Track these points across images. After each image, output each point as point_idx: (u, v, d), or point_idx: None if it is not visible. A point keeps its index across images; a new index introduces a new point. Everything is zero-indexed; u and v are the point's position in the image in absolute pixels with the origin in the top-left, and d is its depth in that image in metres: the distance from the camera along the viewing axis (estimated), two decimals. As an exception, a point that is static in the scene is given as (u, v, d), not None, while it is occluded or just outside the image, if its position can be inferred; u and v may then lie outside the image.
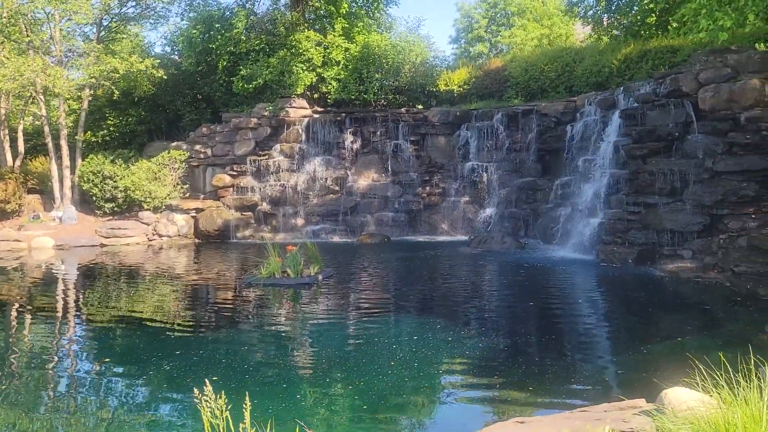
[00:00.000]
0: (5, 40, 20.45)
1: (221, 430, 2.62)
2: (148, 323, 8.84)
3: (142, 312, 9.74)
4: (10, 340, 8.04)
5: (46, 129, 20.77)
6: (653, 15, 20.28)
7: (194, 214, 20.01)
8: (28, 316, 9.61)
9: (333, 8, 21.49)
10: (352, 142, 20.86)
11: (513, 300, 10.28)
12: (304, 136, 20.86)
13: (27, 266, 15.23)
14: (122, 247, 18.35)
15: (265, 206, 20.28)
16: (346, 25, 21.68)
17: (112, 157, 20.76)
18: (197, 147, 21.53)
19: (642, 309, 9.41)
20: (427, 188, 20.27)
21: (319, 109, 21.44)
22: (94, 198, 20.33)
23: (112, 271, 14.05)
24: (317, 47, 20.92)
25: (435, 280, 12.42)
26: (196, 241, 19.65)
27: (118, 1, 21.47)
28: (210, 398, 2.65)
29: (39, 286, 12.51)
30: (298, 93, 20.87)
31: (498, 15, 38.72)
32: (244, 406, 2.74)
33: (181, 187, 20.71)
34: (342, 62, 21.20)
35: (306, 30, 21.28)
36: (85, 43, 19.97)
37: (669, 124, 13.14)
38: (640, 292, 10.55)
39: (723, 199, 11.75)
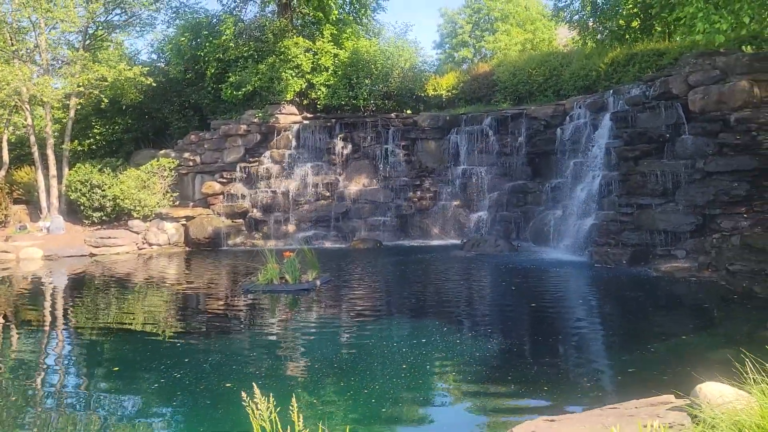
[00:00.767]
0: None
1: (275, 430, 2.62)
2: (152, 332, 8.77)
3: (142, 321, 9.66)
4: (15, 353, 7.93)
5: (32, 138, 20.53)
6: (638, 19, 20.59)
7: (184, 222, 19.87)
8: (26, 327, 9.47)
9: (321, 15, 21.52)
10: (342, 148, 20.87)
11: (513, 302, 10.34)
12: (294, 143, 20.83)
13: (16, 277, 15.01)
14: (112, 256, 18.16)
15: (255, 213, 20.21)
16: (334, 32, 21.73)
17: (99, 166, 20.56)
18: (186, 154, 21.40)
19: (642, 309, 9.51)
20: (418, 193, 20.31)
21: (309, 115, 21.43)
22: (82, 207, 20.11)
23: (106, 281, 13.89)
24: (306, 53, 20.93)
25: (433, 285, 12.44)
26: (187, 249, 19.50)
27: (104, 8, 21.29)
28: (260, 401, 2.65)
29: (32, 297, 12.34)
30: (288, 99, 20.85)
31: (482, 20, 39.08)
32: (290, 408, 2.74)
33: (171, 195, 20.56)
34: (331, 68, 21.23)
35: (295, 36, 21.28)
36: (71, 52, 19.76)
37: (660, 126, 13.33)
38: (637, 292, 10.66)
39: (715, 199, 11.93)
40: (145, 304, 11.29)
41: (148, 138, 23.37)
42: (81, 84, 18.83)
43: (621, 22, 20.40)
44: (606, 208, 14.51)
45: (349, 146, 20.98)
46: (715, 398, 3.12)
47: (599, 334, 8.19)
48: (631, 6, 20.09)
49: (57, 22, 19.25)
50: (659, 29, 20.36)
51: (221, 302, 11.14)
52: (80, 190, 19.95)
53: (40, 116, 22.38)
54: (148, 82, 19.89)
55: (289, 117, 20.92)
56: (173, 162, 20.92)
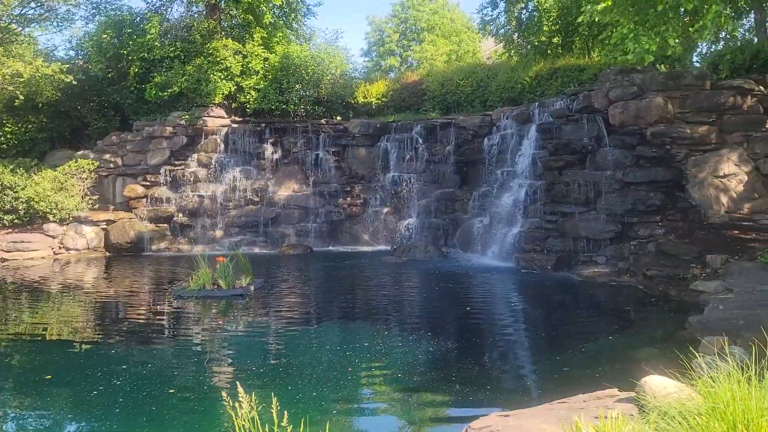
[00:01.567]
0: None
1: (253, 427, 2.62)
2: (70, 341, 8.40)
3: (68, 329, 9.23)
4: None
5: (-64, 135, 19.17)
6: (559, 35, 21.55)
7: (105, 227, 19.06)
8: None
9: (251, 17, 21.25)
10: (272, 153, 20.65)
11: (447, 306, 10.59)
12: (222, 146, 20.43)
13: None
14: (25, 261, 17.21)
15: (181, 218, 19.65)
16: (265, 35, 21.50)
17: (11, 166, 19.42)
18: (106, 156, 20.55)
19: (568, 312, 9.98)
20: (348, 199, 20.36)
21: (238, 118, 21.09)
22: (-8, 210, 18.94)
23: (21, 288, 13.14)
24: (236, 56, 20.60)
25: (366, 290, 12.55)
26: (107, 254, 18.72)
27: (18, 1, 20.20)
28: (243, 399, 2.65)
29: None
30: (216, 102, 20.44)
31: (408, 30, 39.67)
32: (271, 407, 2.75)
33: (90, 198, 19.68)
34: (261, 72, 21.00)
35: (223, 38, 20.92)
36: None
37: (582, 138, 14.02)
38: (563, 296, 11.16)
39: (633, 208, 12.65)
40: (71, 311, 10.78)
41: (64, 138, 22.28)
42: (-7, 79, 17.81)
43: (542, 38, 21.29)
44: (531, 215, 15.07)
45: (279, 151, 20.79)
46: (660, 390, 3.35)
47: (531, 336, 8.52)
48: (552, 23, 21.01)
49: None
50: (579, 45, 21.39)
51: (151, 309, 10.80)
52: (-10, 191, 18.78)
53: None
54: (68, 80, 18.99)
55: (217, 120, 20.51)
56: (93, 163, 20.04)
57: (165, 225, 19.52)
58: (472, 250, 17.00)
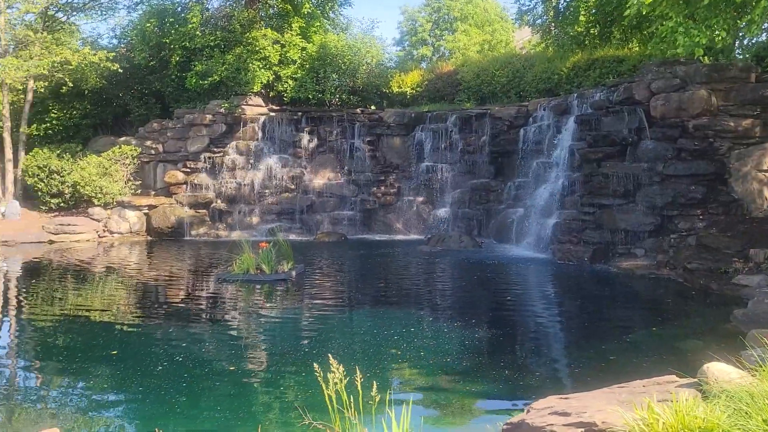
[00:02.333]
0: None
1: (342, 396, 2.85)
2: (126, 320, 8.78)
3: (114, 309, 9.63)
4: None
5: (-14, 121, 19.85)
6: (597, 26, 21.39)
7: (146, 211, 19.58)
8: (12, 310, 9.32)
9: (290, 7, 21.49)
10: (308, 141, 20.95)
11: (487, 295, 10.75)
12: (260, 134, 20.79)
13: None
14: (72, 243, 17.76)
15: (220, 204, 20.09)
16: (303, 25, 21.74)
17: (58, 152, 20.03)
18: (148, 142, 21.06)
19: (608, 303, 10.07)
20: (382, 188, 20.58)
21: (275, 107, 21.41)
22: (39, 193, 19.57)
23: (72, 268, 13.63)
24: (274, 46, 20.88)
25: (405, 277, 12.78)
26: (149, 238, 19.24)
27: (66, -10, 20.75)
28: (335, 369, 2.87)
29: (17, 281, 12.10)
30: (254, 91, 20.77)
31: (441, 19, 39.59)
32: (356, 379, 2.97)
33: (132, 183, 20.22)
34: (299, 61, 21.25)
35: (262, 28, 21.20)
36: (32, 33, 19.15)
37: (622, 130, 14.00)
38: (602, 287, 11.25)
39: (673, 201, 12.64)
40: (123, 293, 11.20)
41: (107, 124, 22.85)
42: (45, 67, 18.29)
43: (579, 28, 21.16)
44: (568, 207, 15.11)
45: (315, 140, 21.08)
46: (722, 376, 3.50)
47: (573, 325, 8.65)
48: (590, 13, 20.87)
49: (18, 2, 18.65)
50: (618, 36, 21.21)
51: (199, 291, 11.16)
52: (38, 175, 19.41)
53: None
54: (114, 68, 19.48)
55: (255, 108, 20.85)
56: (135, 150, 20.56)
57: (204, 211, 19.97)
58: (507, 241, 17.09)
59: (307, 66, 21.36)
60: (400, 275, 13.01)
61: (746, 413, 2.92)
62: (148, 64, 21.41)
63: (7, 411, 5.20)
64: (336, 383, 2.94)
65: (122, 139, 21.28)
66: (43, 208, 19.76)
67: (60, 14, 22.24)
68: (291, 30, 21.51)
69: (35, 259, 15.03)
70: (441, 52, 39.00)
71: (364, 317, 8.92)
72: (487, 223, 18.76)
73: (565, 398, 4.14)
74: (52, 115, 22.03)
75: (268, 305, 9.89)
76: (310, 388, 5.72)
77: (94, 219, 18.89)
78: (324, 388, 2.98)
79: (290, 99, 21.55)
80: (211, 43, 20.86)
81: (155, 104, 22.49)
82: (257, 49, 20.60)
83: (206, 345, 7.39)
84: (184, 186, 20.35)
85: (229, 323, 8.59)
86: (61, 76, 19.19)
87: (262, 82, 20.69)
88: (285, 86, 21.31)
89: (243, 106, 20.54)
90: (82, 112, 22.26)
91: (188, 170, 20.60)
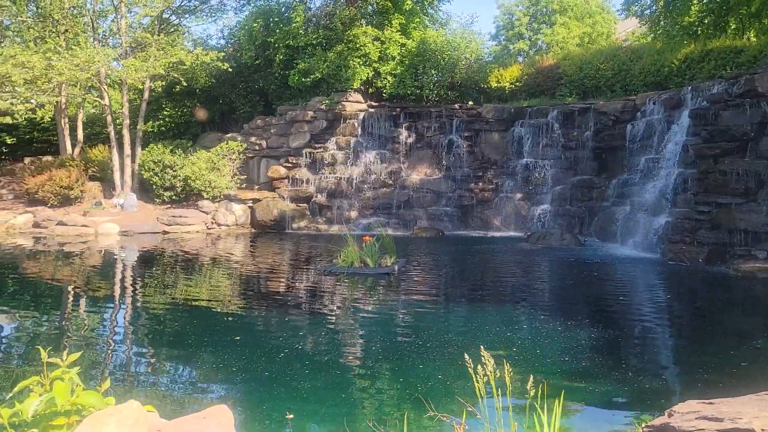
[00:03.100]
0: (67, 30, 20.99)
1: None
2: (244, 308, 9.18)
3: (232, 297, 10.08)
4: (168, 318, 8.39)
5: (108, 118, 21.26)
6: (711, 15, 20.26)
7: (251, 205, 20.38)
8: (149, 293, 9.99)
9: (390, 4, 21.70)
10: (406, 137, 21.10)
11: (595, 295, 10.44)
12: (359, 130, 21.14)
13: (104, 250, 15.82)
14: (183, 234, 18.76)
15: (319, 198, 20.61)
16: (403, 21, 21.90)
17: (171, 147, 21.20)
18: (252, 138, 21.90)
19: (730, 306, 9.55)
20: (480, 184, 20.42)
21: (374, 103, 21.70)
22: (154, 186, 20.79)
23: (189, 257, 14.43)
24: (374, 42, 21.16)
25: (509, 274, 12.64)
26: (252, 230, 20.01)
27: (180, -5, 21.89)
28: (487, 360, 2.89)
29: (138, 268, 12.99)
30: (354, 87, 21.13)
31: (539, 12, 38.65)
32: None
33: (238, 178, 21.11)
34: (398, 57, 21.43)
35: (363, 25, 21.54)
36: (150, 35, 20.36)
37: (743, 125, 13.18)
38: (721, 290, 10.69)
39: (801, 201, 11.79)
40: (239, 282, 11.74)
41: (214, 121, 23.96)
42: (162, 67, 19.41)
43: (688, 18, 20.08)
44: (680, 205, 14.42)
45: (413, 135, 21.20)
46: None
47: (695, 328, 8.26)
48: (703, 3, 19.78)
49: (138, 6, 19.87)
50: (733, 26, 20.01)
51: (309, 282, 11.50)
52: (153, 169, 20.63)
53: (116, 99, 23.12)
54: (224, 68, 20.41)
55: (355, 105, 21.22)
56: (241, 145, 21.44)
57: (304, 205, 20.54)
58: (611, 240, 16.54)
59: (407, 62, 21.50)
60: (503, 272, 12.87)
61: None
62: (254, 62, 22.23)
63: (164, 390, 5.59)
64: (486, 375, 2.95)
65: (228, 135, 22.25)
66: (157, 200, 20.99)
67: (173, 17, 23.50)
68: (391, 27, 21.72)
69: (156, 248, 15.98)
70: (538, 46, 38.10)
71: (474, 313, 8.90)
72: (590, 220, 18.23)
73: (710, 403, 3.97)
74: (165, 112, 23.35)
75: (375, 298, 10.06)
76: (429, 380, 5.79)
77: (203, 211, 19.86)
78: (474, 380, 3.00)
79: (389, 95, 21.78)
80: (314, 42, 21.40)
81: (259, 101, 23.35)
82: (358, 46, 20.94)
83: (322, 334, 7.62)
84: (286, 180, 21.03)
85: (343, 315, 8.80)
86: (177, 75, 20.27)
87: (361, 79, 21.03)
88: (384, 82, 21.55)
89: (343, 103, 20.95)
90: (192, 110, 23.44)
91: (290, 165, 21.26)
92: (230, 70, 21.00)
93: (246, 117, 23.13)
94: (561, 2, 37.77)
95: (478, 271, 12.91)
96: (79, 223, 18.46)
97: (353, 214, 20.42)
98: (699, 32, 20.31)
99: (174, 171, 20.31)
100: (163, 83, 20.82)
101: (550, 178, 19.53)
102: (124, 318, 8.65)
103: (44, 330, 7.89)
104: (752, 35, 19.23)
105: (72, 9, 20.55)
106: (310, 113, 21.16)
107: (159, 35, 21.12)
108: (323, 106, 21.01)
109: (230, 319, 8.43)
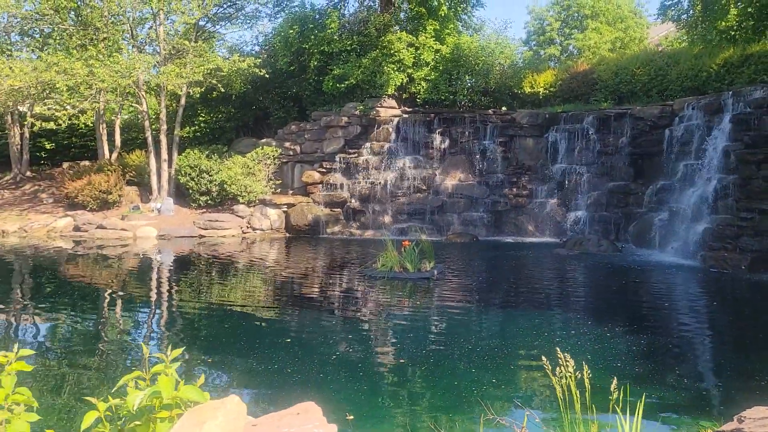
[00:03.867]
0: (107, 38, 21.49)
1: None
2: (291, 311, 9.29)
3: (277, 300, 10.21)
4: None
5: (146, 124, 21.69)
6: (750, 19, 19.95)
7: (285, 209, 20.59)
8: (204, 290, 10.18)
9: (424, 10, 21.79)
10: (440, 142, 21.14)
11: (639, 301, 10.36)
12: (393, 136, 21.23)
13: (146, 253, 16.17)
14: (219, 238, 19.04)
15: (353, 203, 20.73)
16: (437, 27, 21.97)
17: (207, 152, 21.53)
18: (286, 144, 22.13)
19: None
20: (514, 189, 20.35)
21: (408, 109, 21.78)
22: (190, 191, 21.12)
23: (231, 261, 14.64)
24: (408, 48, 21.26)
25: (549, 280, 12.58)
26: (287, 235, 20.21)
27: (217, 3, 22.22)
28: (565, 363, 2.92)
29: (184, 272, 13.27)
30: (388, 93, 21.24)
31: (570, 17, 38.45)
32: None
33: (273, 183, 21.34)
34: (432, 63, 21.50)
35: (398, 31, 21.67)
36: (187, 42, 20.73)
37: (787, 130, 12.98)
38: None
39: None
40: (283, 285, 11.90)
41: (248, 126, 24.26)
42: (201, 73, 19.75)
43: (724, 23, 19.77)
44: (721, 212, 14.22)
45: (447, 141, 21.23)
46: None
47: (745, 337, 8.13)
48: (743, 6, 19.50)
49: (178, 13, 20.26)
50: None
51: (351, 286, 11.59)
52: (189, 174, 20.96)
53: (153, 106, 23.56)
54: (261, 74, 20.68)
55: (389, 110, 21.32)
56: (276, 150, 21.68)
57: (338, 210, 20.68)
58: (648, 246, 16.36)
59: (440, 68, 21.55)
60: (544, 278, 12.82)
61: None
62: (289, 68, 22.46)
63: (252, 388, 5.72)
64: (566, 377, 2.98)
65: (263, 140, 22.51)
66: (193, 204, 21.31)
67: (208, 24, 23.90)
68: (425, 32, 21.80)
69: (195, 252, 16.23)
70: (569, 52, 37.89)
71: (519, 318, 8.90)
72: (626, 227, 18.05)
73: (781, 410, 3.94)
74: (201, 118, 23.71)
75: (420, 303, 10.09)
76: (483, 384, 5.82)
77: (238, 216, 20.12)
78: (555, 381, 3.04)
79: (423, 100, 21.84)
80: (348, 48, 21.57)
81: (293, 107, 23.59)
82: (392, 52, 21.06)
83: (371, 338, 7.69)
84: (320, 185, 21.20)
85: (390, 319, 8.85)
86: (214, 82, 20.60)
87: (396, 85, 21.13)
88: (418, 88, 21.64)
89: (377, 108, 21.07)
90: (227, 115, 23.79)
91: (324, 170, 21.43)
92: (267, 76, 21.26)
93: (280, 122, 23.38)
94: (593, 7, 37.53)
95: (517, 277, 12.88)
96: (119, 226, 18.84)
97: (387, 219, 20.50)
98: (737, 37, 20.02)
99: (210, 176, 20.62)
100: (201, 89, 21.14)
101: (586, 184, 19.38)
102: (175, 320, 8.82)
103: (111, 329, 8.09)
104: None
105: (111, 17, 21.02)
106: (345, 119, 21.33)
107: (198, 42, 21.49)
108: (357, 112, 21.16)
109: (278, 322, 8.54)
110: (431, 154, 21.14)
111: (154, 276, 13.17)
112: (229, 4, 23.34)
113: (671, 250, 15.31)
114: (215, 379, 6.08)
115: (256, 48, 25.60)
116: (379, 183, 20.70)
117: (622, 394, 3.36)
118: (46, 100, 19.30)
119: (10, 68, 18.85)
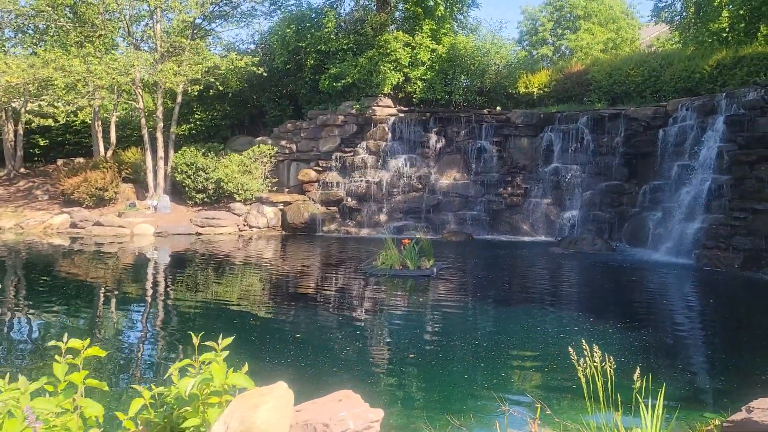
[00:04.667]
0: (103, 35, 21.45)
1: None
2: (296, 307, 9.40)
3: (281, 298, 10.31)
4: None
5: (142, 121, 21.67)
6: (743, 22, 20.23)
7: (282, 207, 20.65)
8: (197, 290, 10.26)
9: (420, 10, 21.92)
10: (435, 142, 21.28)
11: (639, 300, 10.54)
12: (389, 135, 21.35)
13: (144, 250, 16.16)
14: (216, 236, 19.07)
15: (350, 201, 20.84)
16: (433, 27, 22.11)
17: (203, 150, 21.55)
18: (282, 142, 22.20)
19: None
20: (509, 189, 20.53)
21: (404, 108, 21.90)
22: (187, 189, 21.13)
23: (230, 259, 14.70)
24: (405, 48, 21.39)
25: (549, 278, 12.76)
26: (283, 233, 20.28)
27: (213, 1, 22.23)
28: (592, 355, 3.06)
29: (184, 269, 13.27)
30: (384, 92, 21.36)
31: (563, 18, 38.72)
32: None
33: (269, 181, 21.40)
34: (428, 63, 21.64)
35: (394, 31, 21.79)
36: (184, 40, 20.73)
37: (780, 132, 13.23)
38: (762, 296, 10.72)
39: (840, 207, 11.81)
40: (288, 283, 11.98)
41: (243, 125, 24.30)
42: (199, 71, 19.77)
43: (717, 25, 20.04)
44: (715, 211, 14.47)
45: (442, 140, 21.38)
46: None
47: (741, 333, 8.34)
48: (736, 8, 19.77)
49: (177, 11, 20.25)
50: (765, 32, 19.96)
51: (353, 284, 11.70)
52: (186, 172, 20.97)
53: (149, 103, 23.52)
54: (259, 72, 20.73)
55: (385, 109, 21.44)
56: (272, 149, 21.74)
57: (335, 208, 20.78)
58: (642, 245, 16.59)
59: (436, 67, 21.70)
60: (542, 276, 12.99)
61: None
62: (285, 67, 22.53)
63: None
64: (591, 368, 3.12)
65: (259, 138, 22.56)
66: (189, 202, 21.32)
67: (204, 22, 23.89)
68: (422, 32, 21.94)
69: (191, 249, 16.26)
70: (561, 52, 38.17)
71: (524, 314, 9.04)
72: (620, 226, 18.28)
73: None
74: (196, 116, 23.72)
75: (422, 299, 10.23)
76: (495, 377, 5.96)
77: (235, 213, 20.16)
78: (580, 372, 3.17)
79: (419, 100, 21.98)
80: (344, 47, 21.67)
81: (288, 106, 23.66)
82: (388, 51, 21.18)
83: (378, 333, 7.80)
84: (316, 184, 21.29)
85: (396, 315, 8.98)
86: (212, 80, 20.63)
87: (392, 84, 21.25)
88: (414, 87, 21.77)
89: (373, 107, 21.19)
90: (222, 113, 23.81)
91: (320, 169, 21.53)
92: (265, 74, 21.32)
93: (275, 121, 23.44)
94: (585, 8, 37.82)
95: (516, 275, 13.06)
96: (116, 223, 18.84)
97: (383, 217, 20.62)
98: (729, 39, 20.30)
99: (206, 173, 20.65)
100: (199, 87, 21.16)
101: (579, 184, 19.60)
102: (181, 315, 8.91)
103: (129, 323, 8.17)
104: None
105: (108, 14, 20.99)
106: (341, 117, 21.43)
107: (195, 40, 21.50)
108: (354, 111, 21.27)
109: (285, 319, 8.65)
110: (427, 153, 21.28)
111: (160, 272, 13.22)
112: (225, 2, 23.35)
113: (665, 249, 15.53)
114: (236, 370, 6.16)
115: (252, 46, 25.63)
116: (375, 182, 20.81)
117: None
118: (42, 98, 19.22)
119: (6, 64, 18.79)
